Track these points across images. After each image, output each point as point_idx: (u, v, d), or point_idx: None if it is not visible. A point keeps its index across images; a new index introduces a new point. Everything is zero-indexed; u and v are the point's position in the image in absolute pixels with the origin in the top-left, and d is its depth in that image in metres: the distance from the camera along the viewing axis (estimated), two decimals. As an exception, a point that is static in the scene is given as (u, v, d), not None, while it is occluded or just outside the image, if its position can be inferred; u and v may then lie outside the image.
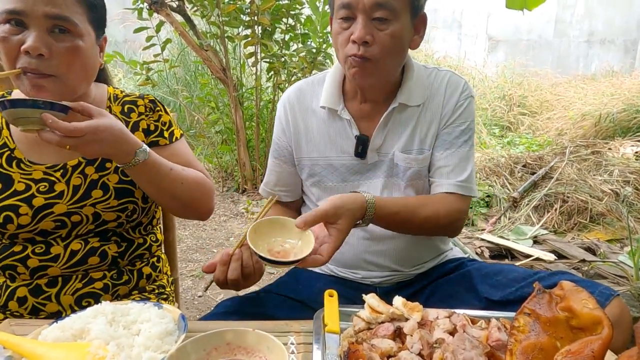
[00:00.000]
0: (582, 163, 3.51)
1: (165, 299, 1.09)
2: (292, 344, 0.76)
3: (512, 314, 0.78)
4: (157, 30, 3.53)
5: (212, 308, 1.06)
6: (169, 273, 1.21)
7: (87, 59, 0.92)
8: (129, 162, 0.88)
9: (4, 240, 0.96)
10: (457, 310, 0.77)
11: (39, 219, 0.93)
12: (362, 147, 1.05)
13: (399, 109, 1.05)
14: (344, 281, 1.12)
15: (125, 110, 1.06)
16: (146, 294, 1.06)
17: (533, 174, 3.47)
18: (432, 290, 1.11)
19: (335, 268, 1.14)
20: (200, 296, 2.33)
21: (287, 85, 3.71)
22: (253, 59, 3.62)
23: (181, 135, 1.12)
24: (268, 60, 3.61)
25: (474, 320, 0.74)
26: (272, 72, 3.67)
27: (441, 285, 1.11)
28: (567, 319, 0.55)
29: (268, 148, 3.95)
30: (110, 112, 1.04)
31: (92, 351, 0.61)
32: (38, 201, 0.93)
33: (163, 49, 3.65)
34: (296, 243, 0.83)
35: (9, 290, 0.95)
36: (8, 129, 0.98)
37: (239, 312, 0.99)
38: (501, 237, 2.82)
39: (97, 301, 0.95)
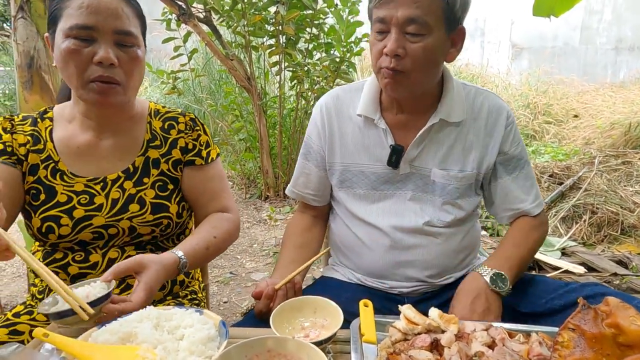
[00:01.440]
0: (612, 173, 3.43)
1: (197, 304, 1.12)
2: (328, 352, 0.77)
3: (550, 329, 0.78)
4: (185, 41, 3.63)
5: (245, 313, 1.07)
6: (200, 279, 1.24)
7: (143, 67, 1.00)
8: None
9: (46, 247, 1.00)
10: (494, 324, 0.76)
11: (79, 230, 0.96)
12: (395, 156, 1.06)
13: (438, 124, 1.06)
14: (372, 291, 1.13)
15: (166, 126, 1.09)
16: (180, 299, 1.09)
17: (560, 184, 3.41)
18: None
19: (363, 277, 1.15)
20: (225, 302, 2.36)
21: (309, 93, 3.76)
22: (277, 67, 3.68)
23: (217, 155, 1.14)
24: (292, 69, 3.66)
25: (511, 334, 0.74)
26: (295, 81, 3.72)
27: None
28: (614, 335, 0.54)
29: (291, 156, 4.00)
30: (151, 127, 1.08)
31: (141, 354, 0.63)
32: (78, 213, 0.97)
33: (190, 58, 3.75)
34: (316, 320, 0.83)
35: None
36: (52, 141, 1.02)
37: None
38: (528, 248, 2.77)
39: None
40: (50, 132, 1.02)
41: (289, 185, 1.24)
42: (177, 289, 1.09)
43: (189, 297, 1.11)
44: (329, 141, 1.14)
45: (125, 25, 0.93)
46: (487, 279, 0.97)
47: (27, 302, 1.04)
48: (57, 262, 0.97)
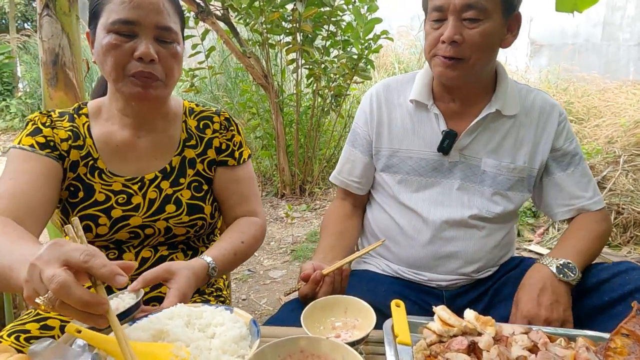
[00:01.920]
0: (638, 173, 3.33)
1: (222, 302, 1.11)
2: (360, 353, 0.75)
3: (594, 333, 0.75)
4: (203, 39, 3.64)
5: (288, 293, 1.03)
6: (224, 276, 1.23)
7: (181, 64, 0.98)
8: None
9: None
10: (534, 327, 0.74)
11: (116, 230, 0.96)
12: (448, 142, 1.05)
13: (493, 115, 1.06)
14: (408, 283, 1.12)
15: (201, 126, 1.08)
16: (206, 296, 1.08)
17: (583, 183, 3.32)
18: (496, 290, 1.10)
19: (400, 269, 1.13)
20: (244, 299, 2.36)
21: (326, 91, 3.74)
22: (294, 65, 3.67)
23: (249, 156, 1.13)
24: (309, 66, 3.64)
25: (552, 338, 0.71)
26: (312, 79, 3.70)
27: (504, 284, 1.09)
28: (672, 342, 0.52)
29: (307, 154, 3.99)
30: (186, 126, 1.07)
31: (175, 352, 0.62)
32: (116, 213, 0.96)
33: (208, 56, 3.76)
34: (347, 320, 0.81)
35: None
36: (91, 137, 1.00)
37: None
38: (550, 248, 2.71)
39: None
40: (88, 128, 1.01)
41: (333, 172, 1.24)
42: (203, 287, 1.08)
43: (215, 294, 1.11)
44: (377, 127, 1.13)
45: (166, 20, 0.91)
46: (553, 268, 0.94)
47: (56, 297, 1.04)
48: None
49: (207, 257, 0.93)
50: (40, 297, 0.53)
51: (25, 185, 0.89)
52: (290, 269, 2.73)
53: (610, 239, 2.79)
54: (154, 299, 0.99)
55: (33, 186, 0.90)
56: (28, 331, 0.91)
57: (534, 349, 0.67)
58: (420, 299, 1.06)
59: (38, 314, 0.97)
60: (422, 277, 1.10)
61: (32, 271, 0.56)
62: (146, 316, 0.74)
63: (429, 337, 0.73)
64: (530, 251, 2.67)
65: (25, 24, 9.86)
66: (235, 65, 4.74)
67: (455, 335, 0.73)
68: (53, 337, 0.90)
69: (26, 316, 0.96)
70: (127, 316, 0.76)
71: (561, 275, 0.92)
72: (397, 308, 0.80)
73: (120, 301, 0.84)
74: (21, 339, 0.88)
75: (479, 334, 0.73)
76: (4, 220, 0.81)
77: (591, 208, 1.08)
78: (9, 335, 0.89)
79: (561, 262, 0.94)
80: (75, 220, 0.62)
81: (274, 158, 4.10)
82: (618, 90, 6.01)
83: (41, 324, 0.93)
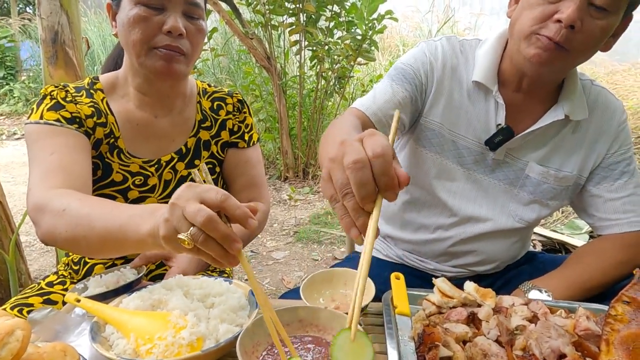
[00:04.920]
0: (645, 155, 3.28)
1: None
2: (360, 324, 0.75)
3: (594, 305, 0.75)
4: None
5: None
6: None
7: (204, 41, 0.95)
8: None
9: None
10: (534, 298, 0.73)
11: None
12: (500, 139, 0.94)
13: (561, 121, 0.93)
14: (411, 270, 1.09)
15: (215, 107, 1.06)
16: (209, 272, 1.09)
17: (589, 166, 3.28)
18: (503, 282, 1.08)
19: (405, 254, 1.10)
20: (246, 280, 2.38)
21: (330, 73, 3.69)
22: (297, 47, 3.62)
23: (257, 139, 1.12)
24: (312, 48, 3.59)
25: (552, 310, 0.71)
26: (315, 60, 3.65)
27: (513, 277, 1.07)
28: (674, 308, 0.51)
29: (310, 137, 3.96)
30: (201, 107, 1.05)
31: (173, 320, 0.62)
32: (133, 194, 0.95)
33: (210, 38, 3.72)
34: (346, 292, 0.81)
35: (87, 267, 0.99)
36: (112, 114, 0.96)
37: None
38: (554, 231, 2.70)
39: None
40: (107, 104, 0.96)
41: (359, 101, 0.98)
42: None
43: (218, 270, 1.11)
44: (436, 89, 0.97)
45: None
46: (528, 295, 0.89)
47: (60, 273, 1.05)
48: None
49: None
50: (183, 234, 0.53)
51: (72, 157, 0.86)
52: (293, 250, 2.74)
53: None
54: (159, 276, 0.99)
55: (77, 158, 0.87)
56: (31, 305, 0.92)
57: (533, 320, 0.67)
58: (420, 285, 1.01)
59: (41, 288, 0.97)
60: (427, 265, 1.07)
61: (173, 210, 0.55)
62: (145, 287, 0.74)
63: (428, 308, 0.73)
64: (535, 233, 2.66)
65: (27, 8, 9.79)
66: (237, 47, 4.70)
67: (454, 307, 0.73)
68: (55, 309, 0.91)
69: (29, 290, 0.97)
70: (127, 290, 0.76)
71: None
72: (397, 280, 0.80)
73: (122, 275, 0.84)
74: (24, 311, 0.89)
75: (479, 306, 0.72)
76: (74, 193, 0.77)
77: (632, 228, 0.94)
78: (12, 308, 0.89)
79: (536, 288, 0.90)
80: (203, 165, 0.60)
81: (277, 141, 4.08)
82: (626, 72, 5.91)
83: (44, 298, 0.94)
